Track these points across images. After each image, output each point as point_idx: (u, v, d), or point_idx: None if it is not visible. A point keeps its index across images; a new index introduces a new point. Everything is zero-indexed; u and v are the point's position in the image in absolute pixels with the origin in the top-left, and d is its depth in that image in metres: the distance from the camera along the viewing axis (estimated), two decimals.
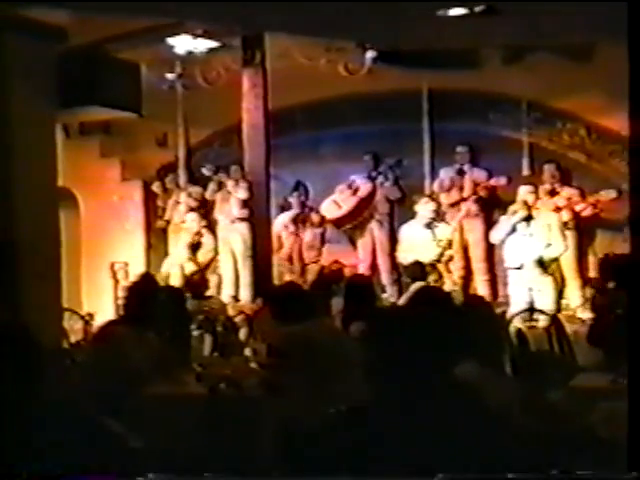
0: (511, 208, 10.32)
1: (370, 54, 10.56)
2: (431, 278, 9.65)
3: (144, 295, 5.70)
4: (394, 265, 11.06)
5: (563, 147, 10.61)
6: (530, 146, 10.65)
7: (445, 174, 10.88)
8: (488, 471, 2.50)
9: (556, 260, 10.23)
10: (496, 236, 10.42)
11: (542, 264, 10.16)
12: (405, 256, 10.43)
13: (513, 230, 10.21)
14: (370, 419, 2.65)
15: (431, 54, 10.17)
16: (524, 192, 10.35)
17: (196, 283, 8.93)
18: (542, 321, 9.24)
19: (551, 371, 4.53)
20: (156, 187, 11.95)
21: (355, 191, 11.23)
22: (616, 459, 2.92)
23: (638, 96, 3.44)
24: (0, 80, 7.38)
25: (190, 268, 11.01)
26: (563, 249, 10.22)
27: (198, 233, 11.33)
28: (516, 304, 9.90)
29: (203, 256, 11.35)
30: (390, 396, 2.63)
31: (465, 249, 10.73)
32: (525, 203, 10.25)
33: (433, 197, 10.79)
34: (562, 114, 10.52)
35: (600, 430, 3.10)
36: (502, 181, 10.64)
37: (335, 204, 11.32)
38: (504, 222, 10.33)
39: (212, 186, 11.45)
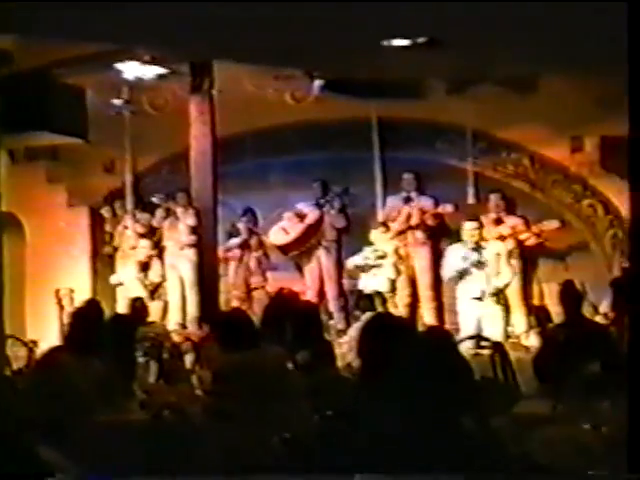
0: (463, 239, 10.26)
1: (317, 82, 10.63)
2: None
3: (89, 321, 5.65)
4: (341, 292, 11.10)
5: (507, 176, 10.76)
6: (475, 175, 10.78)
7: (392, 202, 10.95)
8: None
9: (504, 288, 10.27)
10: (450, 270, 10.33)
11: (493, 293, 10.19)
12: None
13: (465, 262, 10.17)
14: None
15: (378, 84, 10.26)
16: (470, 225, 10.35)
17: (141, 309, 8.86)
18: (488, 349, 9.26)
19: (493, 398, 4.57)
20: (105, 211, 11.89)
21: (303, 218, 11.26)
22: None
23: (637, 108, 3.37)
24: None
25: (138, 289, 10.96)
26: (511, 277, 10.25)
27: (149, 257, 11.29)
28: (465, 332, 9.94)
29: (151, 281, 11.31)
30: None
31: (412, 277, 10.79)
32: (475, 234, 10.20)
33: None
34: (506, 144, 10.69)
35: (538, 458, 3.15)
36: (448, 208, 10.70)
37: (283, 231, 11.34)
38: (455, 255, 10.28)
39: (160, 213, 11.41)
